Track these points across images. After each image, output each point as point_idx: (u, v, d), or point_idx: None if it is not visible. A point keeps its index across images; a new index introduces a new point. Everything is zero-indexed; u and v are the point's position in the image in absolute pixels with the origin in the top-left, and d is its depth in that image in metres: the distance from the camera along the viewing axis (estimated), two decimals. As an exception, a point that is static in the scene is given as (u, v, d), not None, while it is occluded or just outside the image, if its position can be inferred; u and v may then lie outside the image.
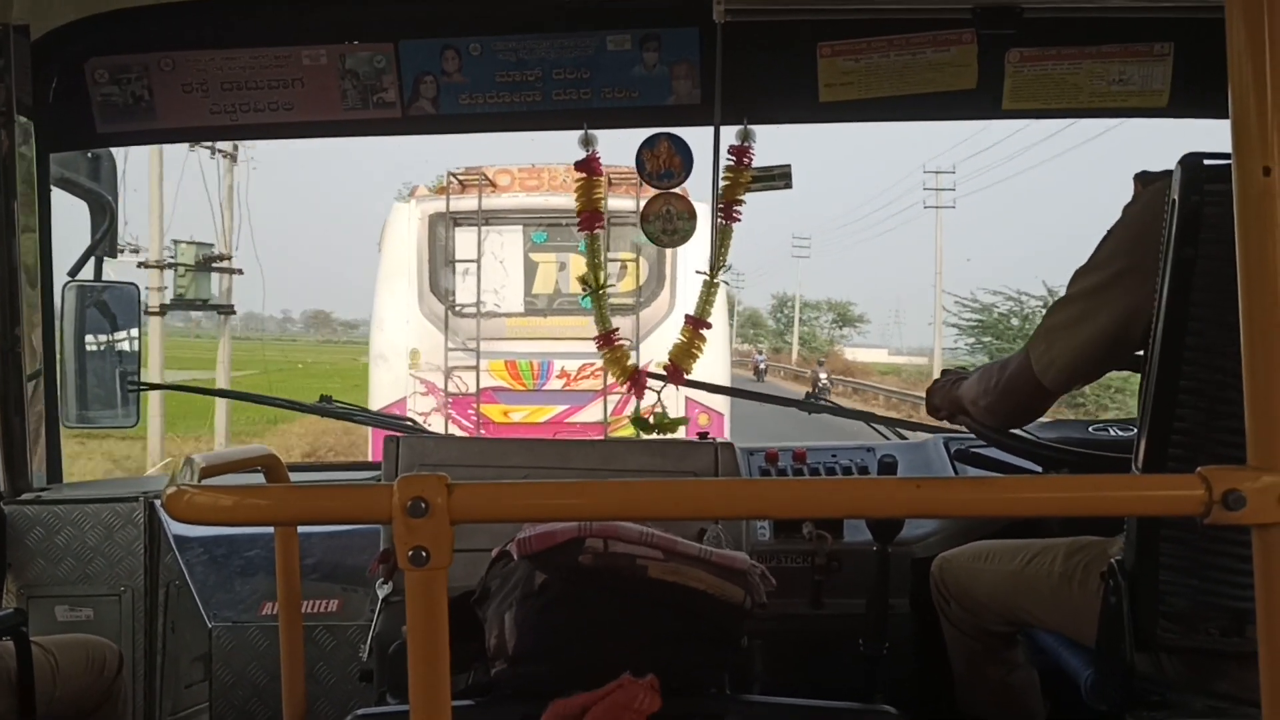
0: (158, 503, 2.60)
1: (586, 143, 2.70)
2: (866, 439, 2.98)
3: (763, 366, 42.30)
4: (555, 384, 8.53)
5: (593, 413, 8.50)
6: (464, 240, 8.57)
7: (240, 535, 2.59)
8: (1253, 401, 0.92)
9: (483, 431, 8.46)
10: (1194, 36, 2.52)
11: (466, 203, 8.57)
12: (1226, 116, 0.94)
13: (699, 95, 2.68)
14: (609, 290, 2.83)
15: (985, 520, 2.37)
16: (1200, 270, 1.45)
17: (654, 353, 8.08)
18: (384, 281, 8.75)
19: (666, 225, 2.74)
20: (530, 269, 8.74)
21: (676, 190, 2.73)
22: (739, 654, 1.58)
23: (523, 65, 2.72)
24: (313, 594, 2.48)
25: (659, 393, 2.75)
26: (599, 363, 7.91)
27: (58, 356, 2.83)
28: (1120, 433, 2.54)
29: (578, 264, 8.41)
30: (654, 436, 2.70)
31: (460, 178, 8.64)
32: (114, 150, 3.19)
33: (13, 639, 1.94)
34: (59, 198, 2.91)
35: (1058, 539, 1.93)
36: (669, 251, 7.97)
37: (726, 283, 3.20)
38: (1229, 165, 0.95)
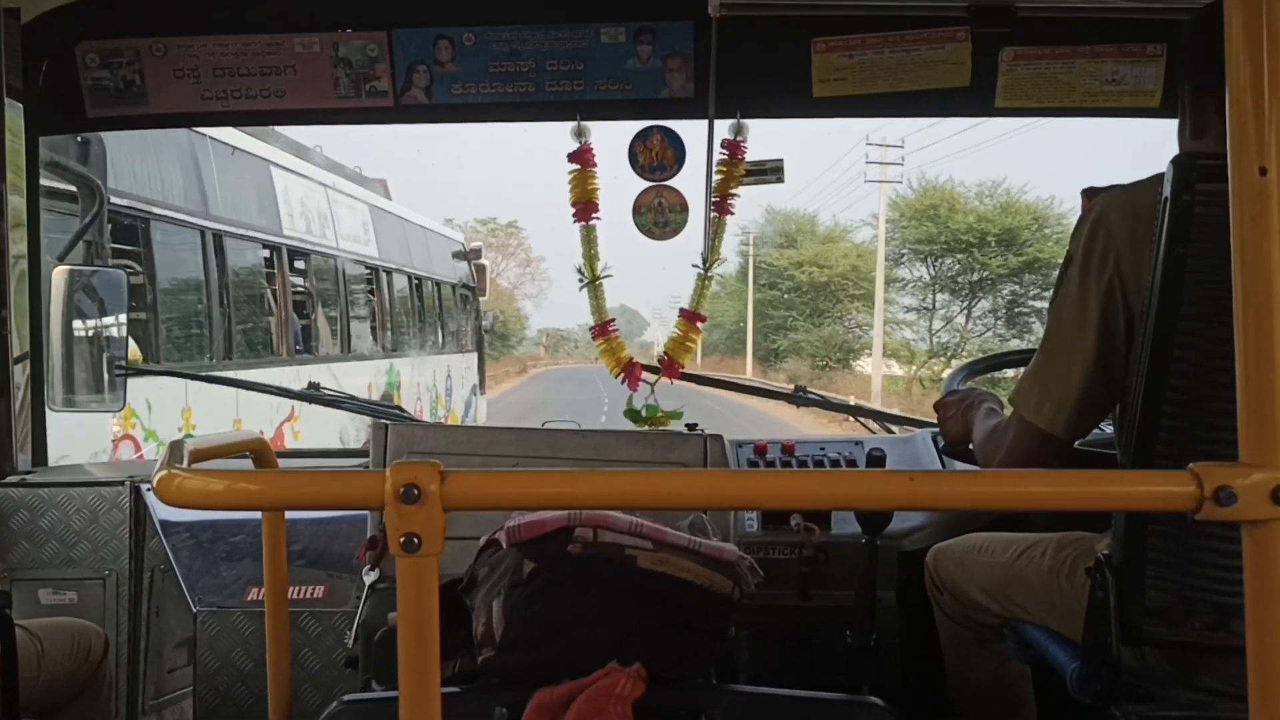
0: (144, 487, 2.59)
1: (579, 134, 2.70)
2: None
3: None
4: None
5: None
6: None
7: (225, 520, 2.58)
8: (1245, 399, 0.92)
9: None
10: None
11: None
12: None
13: (693, 89, 2.69)
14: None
15: (974, 515, 2.38)
16: (1191, 268, 1.46)
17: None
18: None
19: (658, 218, 2.74)
20: None
21: (669, 183, 2.73)
22: (726, 644, 1.58)
23: (516, 56, 2.72)
24: (298, 580, 2.47)
25: (653, 385, 2.74)
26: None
27: (44, 340, 2.81)
28: (1108, 429, 2.54)
29: None
30: (644, 428, 2.70)
31: None
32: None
33: None
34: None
35: (1049, 533, 1.94)
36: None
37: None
38: (1221, 164, 0.96)
